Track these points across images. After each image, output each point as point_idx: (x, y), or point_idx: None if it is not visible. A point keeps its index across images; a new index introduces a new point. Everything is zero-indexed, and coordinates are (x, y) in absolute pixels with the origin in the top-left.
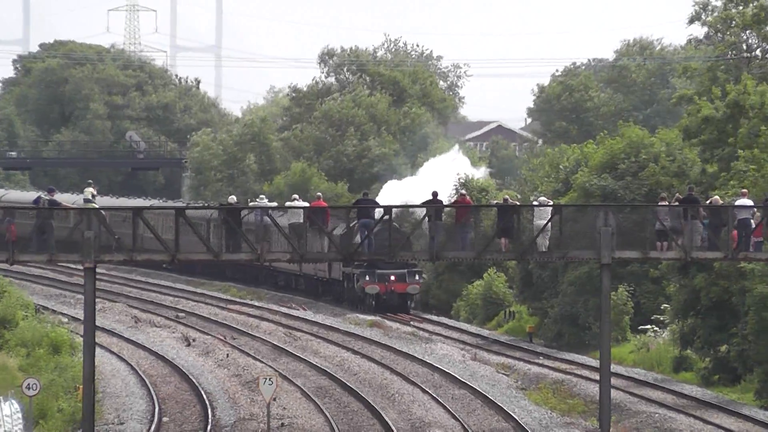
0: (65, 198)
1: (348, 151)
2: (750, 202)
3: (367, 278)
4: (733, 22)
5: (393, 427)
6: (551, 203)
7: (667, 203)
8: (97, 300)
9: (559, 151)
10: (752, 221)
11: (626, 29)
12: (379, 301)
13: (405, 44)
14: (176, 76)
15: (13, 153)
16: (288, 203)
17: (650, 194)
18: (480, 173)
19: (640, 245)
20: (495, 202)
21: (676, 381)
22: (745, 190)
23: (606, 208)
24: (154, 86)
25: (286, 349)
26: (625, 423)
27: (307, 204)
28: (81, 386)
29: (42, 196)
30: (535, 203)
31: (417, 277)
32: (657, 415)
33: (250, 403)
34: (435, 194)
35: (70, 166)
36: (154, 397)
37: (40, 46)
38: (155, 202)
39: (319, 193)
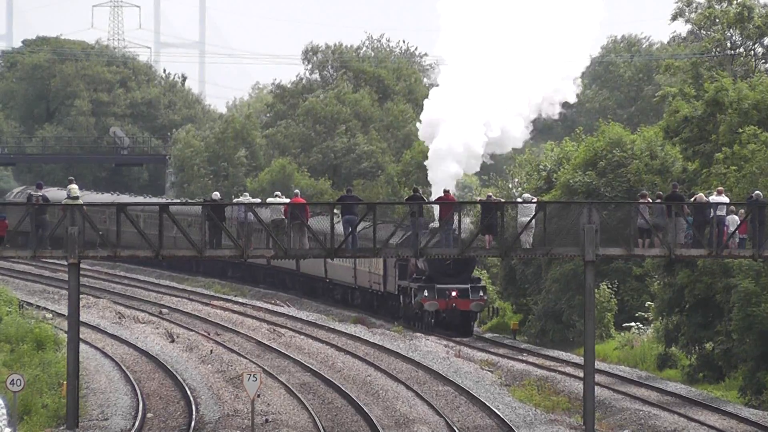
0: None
1: (337, 147)
2: (726, 200)
3: (426, 293)
4: (717, 20)
5: (377, 424)
6: (535, 200)
7: (648, 201)
8: (81, 296)
9: (540, 151)
10: (736, 218)
11: (612, 26)
12: (439, 319)
13: (388, 41)
14: (164, 71)
15: None
16: (269, 199)
17: (631, 191)
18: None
19: (624, 242)
20: (479, 199)
21: (660, 378)
22: (721, 188)
23: (590, 205)
24: (138, 82)
25: (270, 345)
26: (609, 420)
27: (288, 200)
28: (65, 382)
29: (32, 192)
30: (519, 200)
31: (481, 293)
32: (641, 412)
33: (234, 399)
34: (415, 190)
35: (53, 161)
36: (139, 393)
37: (23, 42)
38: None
39: (296, 190)
